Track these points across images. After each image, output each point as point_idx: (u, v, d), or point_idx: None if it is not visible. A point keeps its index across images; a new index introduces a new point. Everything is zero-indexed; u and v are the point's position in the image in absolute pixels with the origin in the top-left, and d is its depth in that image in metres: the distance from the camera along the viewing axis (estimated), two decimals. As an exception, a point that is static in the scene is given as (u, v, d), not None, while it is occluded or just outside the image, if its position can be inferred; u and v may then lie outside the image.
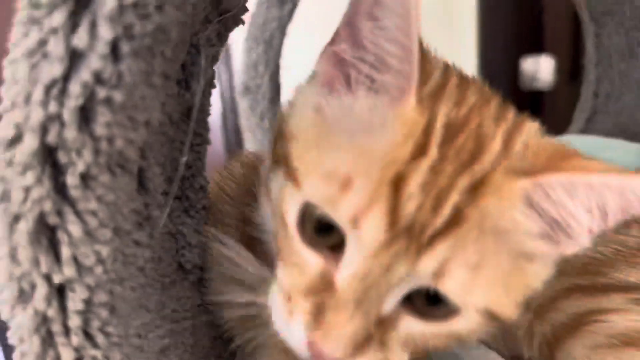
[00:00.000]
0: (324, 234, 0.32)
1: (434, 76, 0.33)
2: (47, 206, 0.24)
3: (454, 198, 0.30)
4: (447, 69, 0.35)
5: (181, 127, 0.34)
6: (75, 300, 0.25)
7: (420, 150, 0.31)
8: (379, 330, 0.32)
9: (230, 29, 0.35)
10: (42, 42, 0.22)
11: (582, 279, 0.44)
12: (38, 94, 0.22)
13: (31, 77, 0.22)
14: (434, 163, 0.30)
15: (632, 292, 0.41)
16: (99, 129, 0.23)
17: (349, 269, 0.31)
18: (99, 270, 0.25)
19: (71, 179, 0.24)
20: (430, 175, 0.30)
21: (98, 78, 0.22)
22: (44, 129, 0.23)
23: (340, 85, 0.34)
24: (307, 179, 0.32)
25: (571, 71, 1.95)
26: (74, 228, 0.24)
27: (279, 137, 0.36)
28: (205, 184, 0.39)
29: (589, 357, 0.39)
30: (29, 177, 0.23)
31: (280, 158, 0.35)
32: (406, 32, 0.30)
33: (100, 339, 0.26)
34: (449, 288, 0.31)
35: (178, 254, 0.37)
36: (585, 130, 0.81)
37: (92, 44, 0.22)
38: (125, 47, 0.23)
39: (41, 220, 0.24)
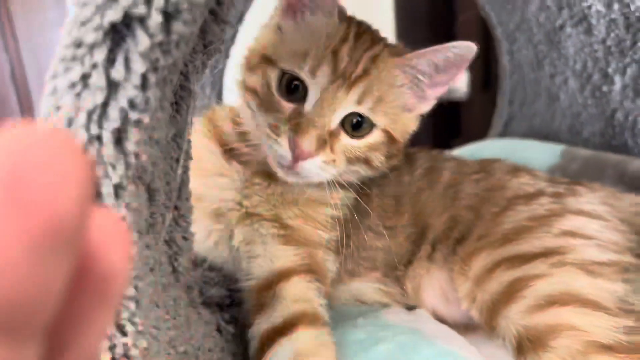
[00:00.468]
0: (292, 93, 0.55)
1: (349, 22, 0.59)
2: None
3: (364, 61, 0.55)
4: (358, 24, 0.61)
5: (173, 145, 0.39)
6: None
7: (344, 38, 0.56)
8: (329, 139, 0.54)
9: (212, 58, 0.40)
10: (85, 76, 0.26)
11: (507, 250, 0.54)
12: (81, 119, 0.26)
13: (75, 105, 0.26)
14: (351, 44, 0.56)
15: (550, 257, 0.50)
16: (130, 146, 0.28)
17: (311, 100, 0.54)
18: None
19: (106, 189, 0.28)
20: (351, 51, 0.55)
21: (132, 104, 0.27)
22: (84, 149, 0.27)
23: (292, 13, 0.58)
24: (281, 59, 0.56)
25: (483, 82, 2.11)
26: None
27: (251, 59, 0.60)
28: (189, 195, 0.44)
29: (523, 319, 0.47)
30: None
31: (254, 66, 0.59)
32: None
33: (128, 328, 0.30)
34: (364, 110, 0.55)
35: (171, 259, 0.41)
36: (504, 133, 0.91)
37: (128, 76, 0.26)
38: (152, 78, 0.27)
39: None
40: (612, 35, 0.63)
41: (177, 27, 0.27)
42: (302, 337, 0.47)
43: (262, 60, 0.58)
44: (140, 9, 0.25)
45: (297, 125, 0.53)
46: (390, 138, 0.58)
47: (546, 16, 0.74)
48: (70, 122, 0.26)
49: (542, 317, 0.47)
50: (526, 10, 0.76)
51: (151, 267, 0.34)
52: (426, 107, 0.61)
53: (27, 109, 1.95)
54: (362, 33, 0.59)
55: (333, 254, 0.59)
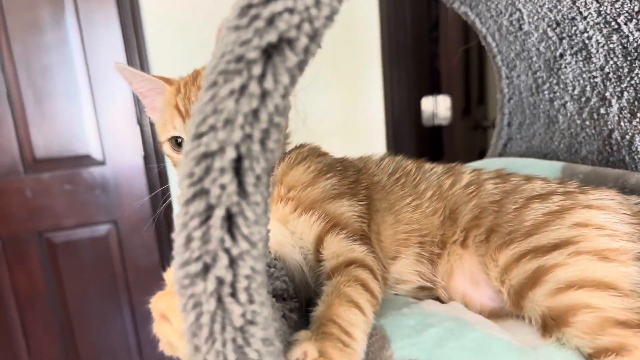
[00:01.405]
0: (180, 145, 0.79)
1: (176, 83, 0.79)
2: (234, 199, 0.34)
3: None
4: (183, 80, 0.80)
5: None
6: (245, 268, 0.35)
7: (179, 100, 0.75)
8: None
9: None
10: (244, 86, 0.32)
11: (529, 243, 0.62)
12: (240, 120, 0.32)
13: (235, 109, 0.32)
14: (184, 100, 0.75)
15: (565, 247, 0.58)
16: (271, 145, 0.34)
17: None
18: (260, 245, 0.35)
19: (250, 179, 0.34)
20: (185, 104, 0.75)
21: (277, 109, 0.33)
22: (238, 145, 0.33)
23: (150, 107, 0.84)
24: (162, 134, 0.80)
25: (463, 108, 2.23)
26: (249, 214, 0.34)
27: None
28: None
29: (546, 301, 0.55)
30: (226, 178, 0.33)
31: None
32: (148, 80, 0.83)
33: (256, 297, 0.36)
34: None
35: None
36: (503, 153, 1.00)
37: (275, 87, 0.33)
38: (290, 89, 0.34)
39: (228, 209, 0.34)
40: (611, 62, 0.72)
41: (313, 48, 0.33)
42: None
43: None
44: (292, 33, 0.32)
45: None
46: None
47: (546, 45, 0.83)
48: (227, 123, 0.33)
49: (562, 299, 0.54)
50: (527, 41, 0.85)
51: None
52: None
53: (22, 128, 1.97)
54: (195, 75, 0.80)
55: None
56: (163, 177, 2.10)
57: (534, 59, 0.85)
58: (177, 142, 0.79)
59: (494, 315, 0.64)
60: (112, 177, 2.09)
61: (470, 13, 0.89)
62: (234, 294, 0.35)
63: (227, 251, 0.34)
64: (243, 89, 0.32)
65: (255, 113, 0.32)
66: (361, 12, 2.03)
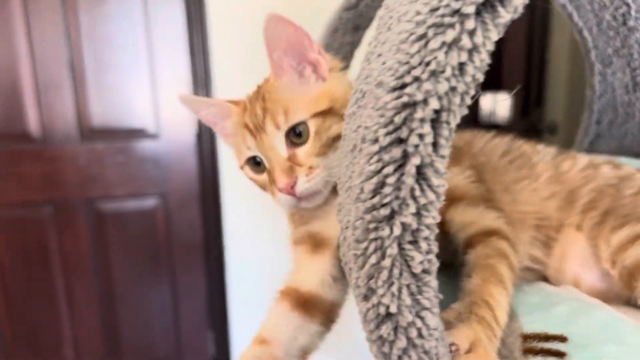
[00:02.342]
0: (259, 164, 0.71)
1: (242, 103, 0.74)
2: (429, 149, 0.35)
3: (259, 103, 0.69)
4: (248, 97, 0.75)
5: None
6: (428, 218, 0.36)
7: (247, 118, 0.71)
8: (292, 163, 0.65)
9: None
10: (456, 39, 0.33)
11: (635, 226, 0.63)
12: (447, 72, 0.34)
13: (444, 61, 0.34)
14: (251, 117, 0.70)
15: None
16: (468, 99, 0.35)
17: (264, 159, 0.69)
18: (442, 198, 0.37)
19: (445, 132, 0.35)
20: (253, 120, 0.69)
21: (481, 65, 0.34)
22: (441, 97, 0.34)
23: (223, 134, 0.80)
24: (239, 158, 0.73)
25: (522, 109, 2.21)
26: (439, 166, 0.35)
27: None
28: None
29: None
30: (426, 128, 0.34)
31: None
32: (213, 106, 0.79)
33: (433, 247, 0.37)
34: (285, 127, 0.66)
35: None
36: (590, 151, 1.00)
37: (484, 42, 0.34)
38: (492, 46, 0.35)
39: (422, 159, 0.35)
40: None
41: (521, 7, 0.34)
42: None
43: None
44: (509, -9, 0.33)
45: (271, 179, 0.68)
46: (324, 114, 0.67)
47: (649, 43, 0.82)
48: (434, 74, 0.34)
49: None
50: (630, 37, 0.85)
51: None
52: (318, 68, 0.71)
53: (81, 98, 2.01)
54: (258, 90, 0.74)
55: None
56: (214, 156, 2.13)
57: (635, 56, 0.85)
58: (255, 162, 0.72)
59: (601, 298, 0.65)
60: (164, 152, 2.12)
61: (568, 5, 0.89)
62: (415, 242, 0.36)
63: (415, 200, 0.35)
64: (455, 41, 0.33)
65: (462, 66, 0.33)
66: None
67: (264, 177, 0.71)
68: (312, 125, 0.66)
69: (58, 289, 2.18)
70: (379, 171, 0.35)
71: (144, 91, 2.07)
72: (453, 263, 0.59)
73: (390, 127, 0.35)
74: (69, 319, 2.21)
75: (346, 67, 0.90)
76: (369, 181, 0.36)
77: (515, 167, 0.76)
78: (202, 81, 2.05)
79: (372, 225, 0.36)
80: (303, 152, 0.66)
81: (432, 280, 0.37)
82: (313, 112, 0.67)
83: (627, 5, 0.81)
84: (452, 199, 0.64)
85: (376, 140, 0.35)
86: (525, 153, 0.79)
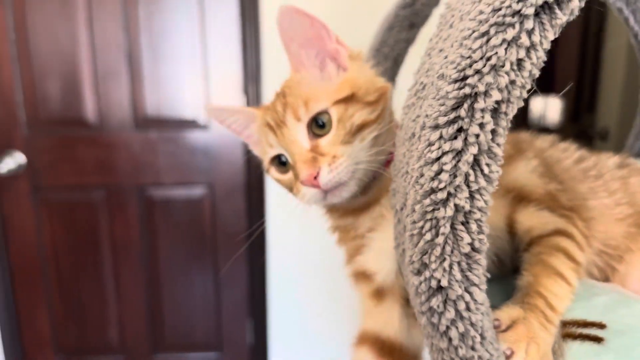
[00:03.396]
0: (284, 164, 0.70)
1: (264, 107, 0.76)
2: (488, 138, 0.38)
3: (280, 99, 0.70)
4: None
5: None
6: (480, 201, 0.39)
7: (268, 117, 0.71)
8: (315, 153, 0.64)
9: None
10: (515, 38, 0.36)
11: None
12: (506, 67, 0.37)
13: (504, 57, 0.37)
14: (272, 114, 0.70)
15: None
16: (525, 93, 0.38)
17: (287, 155, 0.69)
18: (495, 184, 0.40)
19: (503, 123, 0.38)
20: (274, 117, 0.70)
21: (537, 62, 0.37)
22: (502, 90, 0.37)
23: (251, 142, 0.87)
24: (265, 159, 0.73)
25: (573, 113, 2.19)
26: (495, 153, 0.39)
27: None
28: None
29: None
30: (486, 118, 0.37)
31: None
32: (238, 113, 0.83)
33: (484, 229, 0.40)
34: (306, 118, 0.66)
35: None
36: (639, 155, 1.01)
37: (541, 41, 0.37)
38: (549, 45, 0.38)
39: (479, 147, 0.38)
40: None
41: (577, 10, 0.37)
42: None
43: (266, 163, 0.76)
44: (568, -6, 0.36)
45: (294, 174, 0.67)
46: (346, 101, 0.66)
47: None
48: (494, 68, 0.37)
49: None
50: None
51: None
52: (338, 58, 0.70)
53: (138, 88, 2.09)
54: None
55: None
56: (261, 148, 2.18)
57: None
58: (280, 162, 0.70)
59: None
60: (213, 143, 2.19)
61: (625, 9, 0.89)
62: (466, 223, 0.39)
63: (469, 185, 0.38)
64: (515, 39, 0.36)
65: (520, 62, 0.37)
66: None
67: (289, 175, 0.70)
68: (335, 113, 0.65)
69: (106, 271, 2.28)
70: (438, 159, 0.38)
71: (196, 83, 2.14)
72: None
73: (451, 116, 0.38)
74: (116, 300, 2.30)
75: (397, 64, 0.93)
76: (428, 166, 0.39)
77: (591, 177, 0.72)
78: (252, 75, 2.10)
79: (429, 207, 0.39)
80: (326, 141, 0.65)
81: (482, 259, 0.40)
82: (334, 99, 0.65)
83: (684, 11, 0.82)
84: (520, 198, 0.62)
85: (436, 127, 0.39)
86: (596, 163, 0.75)
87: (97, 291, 2.30)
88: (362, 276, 0.69)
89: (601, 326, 0.50)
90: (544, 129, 2.02)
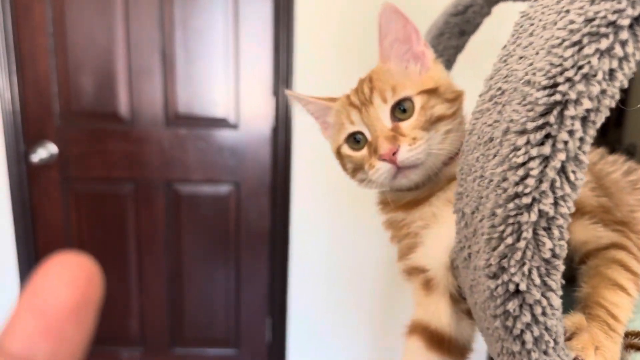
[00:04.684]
0: (359, 142, 0.76)
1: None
2: (577, 145, 0.39)
3: (367, 82, 0.76)
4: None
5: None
6: (564, 208, 0.40)
7: (352, 97, 0.77)
8: (395, 134, 0.69)
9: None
10: (609, 48, 0.37)
11: None
12: (600, 76, 0.37)
13: (596, 66, 0.37)
14: (358, 94, 0.76)
15: None
16: (613, 103, 0.39)
17: (367, 133, 0.74)
18: (579, 190, 0.40)
19: (591, 131, 0.39)
20: (360, 97, 0.75)
21: (629, 73, 0.38)
22: (592, 99, 0.38)
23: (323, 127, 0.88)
24: (336, 140, 0.79)
25: (601, 128, 2.18)
26: (583, 157, 0.39)
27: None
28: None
29: None
30: (576, 125, 0.38)
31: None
32: (314, 104, 0.86)
33: (565, 235, 0.41)
34: (392, 101, 0.71)
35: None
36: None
37: (634, 52, 0.37)
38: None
39: (567, 154, 0.39)
40: None
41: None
42: None
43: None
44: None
45: (371, 151, 0.72)
46: (429, 92, 0.71)
47: None
48: (585, 77, 0.38)
49: None
50: None
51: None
52: (423, 59, 0.76)
53: (170, 85, 2.12)
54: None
55: None
56: (288, 150, 2.20)
57: None
58: (355, 140, 0.76)
59: None
60: (242, 142, 2.21)
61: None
62: (549, 229, 0.40)
63: (554, 191, 0.39)
64: (608, 50, 0.37)
65: (612, 72, 0.37)
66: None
67: (362, 152, 0.75)
68: (418, 101, 0.71)
69: (131, 263, 2.30)
70: (525, 164, 0.39)
71: (228, 83, 2.17)
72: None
73: (540, 122, 0.39)
74: (138, 291, 2.33)
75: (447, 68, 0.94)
76: (513, 171, 0.40)
77: (639, 190, 0.74)
78: (283, 77, 2.12)
79: (512, 212, 0.40)
80: (407, 124, 0.70)
81: (561, 265, 0.41)
82: (420, 89, 0.71)
83: None
84: (575, 210, 0.63)
85: (523, 133, 0.40)
86: None
87: (120, 283, 2.32)
88: (415, 271, 0.73)
89: (664, 338, 0.50)
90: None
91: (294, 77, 2.14)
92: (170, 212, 2.27)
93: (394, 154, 0.68)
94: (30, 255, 2.25)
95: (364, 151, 0.75)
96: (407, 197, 0.75)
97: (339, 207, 2.26)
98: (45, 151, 2.15)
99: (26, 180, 2.19)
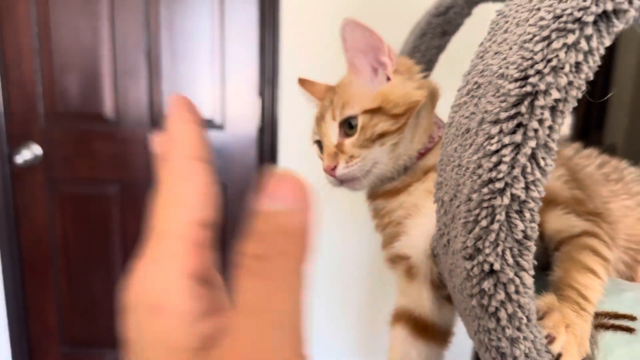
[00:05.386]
0: (320, 149, 0.87)
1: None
2: (546, 133, 0.42)
3: (328, 96, 0.82)
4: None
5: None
6: (535, 192, 0.43)
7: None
8: (338, 150, 0.77)
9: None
10: (576, 42, 0.40)
11: None
12: (567, 69, 0.40)
13: (563, 59, 0.40)
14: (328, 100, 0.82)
15: None
16: (579, 94, 0.42)
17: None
18: (549, 176, 0.43)
19: (559, 120, 0.42)
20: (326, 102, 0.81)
21: (593, 66, 0.41)
22: (560, 90, 0.41)
23: None
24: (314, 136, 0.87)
25: (582, 129, 2.23)
26: (550, 148, 0.42)
27: None
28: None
29: None
30: (546, 115, 0.41)
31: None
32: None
33: (536, 217, 0.44)
34: (339, 118, 0.77)
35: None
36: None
37: (598, 47, 0.40)
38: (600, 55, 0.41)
39: (537, 142, 0.42)
40: None
41: (631, 21, 0.41)
42: None
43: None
44: (624, 5, 0.39)
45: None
46: (372, 112, 0.76)
47: None
48: (554, 69, 0.41)
49: None
50: None
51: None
52: (385, 71, 0.80)
53: (155, 86, 2.13)
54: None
55: None
56: (274, 150, 2.22)
57: None
58: (320, 145, 0.85)
59: None
60: (228, 143, 2.23)
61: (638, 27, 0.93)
62: (521, 212, 0.43)
63: (525, 176, 0.42)
64: (575, 44, 0.40)
65: (578, 65, 0.40)
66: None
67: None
68: (360, 121, 0.76)
69: (116, 264, 2.30)
70: (498, 151, 0.42)
71: (213, 83, 2.18)
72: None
73: (512, 112, 0.41)
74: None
75: (427, 69, 0.97)
76: (487, 158, 0.43)
77: (612, 181, 0.77)
78: (269, 79, 2.14)
79: (486, 196, 0.43)
80: (349, 142, 0.76)
81: (532, 246, 0.43)
82: (364, 108, 0.76)
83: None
84: (547, 201, 0.65)
85: (497, 122, 0.42)
86: (617, 168, 0.80)
87: (107, 284, 2.32)
88: (398, 259, 0.77)
89: (632, 318, 0.53)
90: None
91: (280, 79, 2.16)
92: (156, 213, 2.27)
93: (333, 169, 0.75)
94: (15, 257, 2.24)
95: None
96: (384, 187, 0.80)
97: (325, 206, 2.28)
98: (30, 153, 2.15)
99: (10, 182, 2.18)
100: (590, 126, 2.41)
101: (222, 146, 2.23)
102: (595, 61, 0.40)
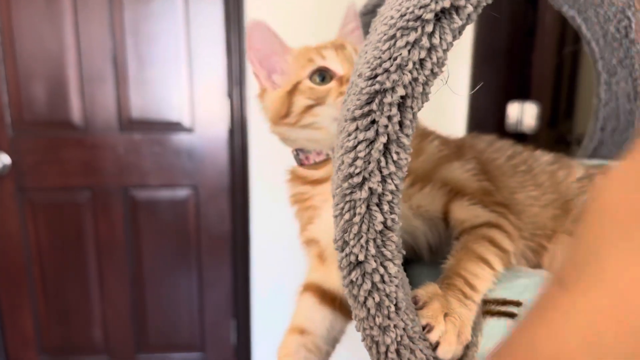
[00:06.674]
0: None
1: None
2: (396, 128, 0.43)
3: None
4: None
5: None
6: (391, 185, 0.44)
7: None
8: None
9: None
10: (417, 40, 0.42)
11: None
12: (409, 66, 0.42)
13: (407, 57, 0.42)
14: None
15: None
16: (428, 89, 0.43)
17: None
18: (404, 169, 0.45)
19: (409, 115, 0.43)
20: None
21: (438, 61, 0.42)
22: (406, 86, 0.42)
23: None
24: (299, 74, 0.79)
25: (550, 120, 2.25)
26: (402, 143, 0.44)
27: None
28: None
29: None
30: (393, 111, 0.42)
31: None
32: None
33: (395, 209, 0.45)
34: None
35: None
36: (592, 156, 1.06)
37: (440, 42, 0.42)
38: (449, 47, 0.43)
39: (388, 137, 0.43)
40: None
41: (474, 16, 0.42)
42: None
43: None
44: (461, 2, 0.41)
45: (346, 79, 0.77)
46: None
47: (651, 54, 0.88)
48: (399, 67, 0.42)
49: None
50: (631, 48, 0.91)
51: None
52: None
53: (123, 90, 2.14)
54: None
55: None
56: (245, 151, 2.23)
57: (636, 66, 0.91)
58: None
59: None
60: (198, 145, 2.23)
61: (577, 17, 0.95)
62: (379, 204, 0.44)
63: (380, 170, 0.43)
64: (417, 41, 0.41)
65: (422, 62, 0.42)
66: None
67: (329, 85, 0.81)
68: None
69: (91, 271, 2.31)
70: (354, 147, 0.43)
71: (181, 87, 2.19)
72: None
73: (366, 109, 0.43)
74: (100, 300, 2.34)
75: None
76: (347, 154, 0.44)
77: (522, 173, 0.78)
78: (236, 79, 2.15)
79: (348, 191, 0.44)
80: None
81: (394, 237, 0.45)
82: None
83: (628, 18, 0.88)
84: (455, 192, 0.68)
85: (354, 120, 0.44)
86: (527, 159, 0.81)
87: (82, 292, 2.33)
88: (311, 242, 0.78)
89: (518, 304, 0.55)
90: (520, 135, 2.08)
91: (247, 79, 2.17)
92: (129, 219, 2.28)
93: None
94: (-12, 266, 2.25)
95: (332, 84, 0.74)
96: (315, 175, 0.79)
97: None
98: (-2, 162, 2.15)
99: (-20, 192, 2.19)
100: (560, 116, 2.43)
101: (192, 148, 2.24)
102: (439, 57, 0.42)
